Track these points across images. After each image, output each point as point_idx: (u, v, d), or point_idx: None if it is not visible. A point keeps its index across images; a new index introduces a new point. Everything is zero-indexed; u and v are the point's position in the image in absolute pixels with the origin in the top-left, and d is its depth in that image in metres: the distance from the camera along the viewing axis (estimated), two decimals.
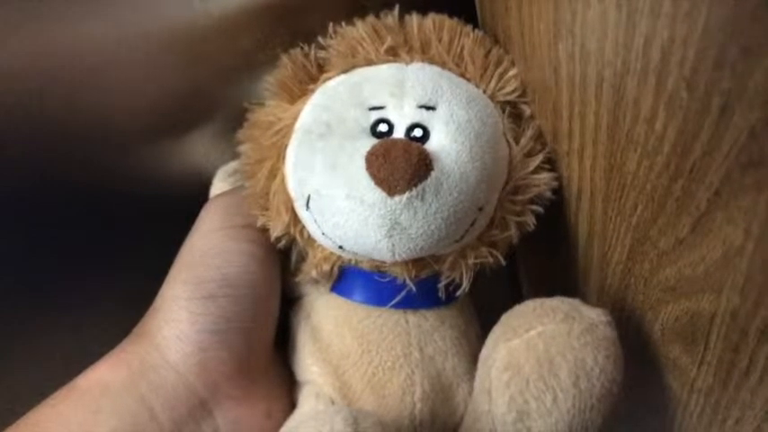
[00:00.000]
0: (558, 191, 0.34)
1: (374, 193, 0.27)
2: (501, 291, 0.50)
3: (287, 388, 0.35)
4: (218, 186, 0.39)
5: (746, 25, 0.17)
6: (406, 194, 0.27)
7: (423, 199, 0.28)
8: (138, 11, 0.35)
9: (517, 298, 0.51)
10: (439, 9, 0.34)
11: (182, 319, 0.30)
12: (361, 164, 0.28)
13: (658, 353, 0.31)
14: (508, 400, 0.27)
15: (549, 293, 0.44)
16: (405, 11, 0.34)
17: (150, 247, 0.33)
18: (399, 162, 0.27)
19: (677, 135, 0.22)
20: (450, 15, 0.34)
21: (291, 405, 0.34)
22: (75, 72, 0.34)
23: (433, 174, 0.28)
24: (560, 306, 0.28)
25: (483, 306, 0.35)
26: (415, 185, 0.27)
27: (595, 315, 0.27)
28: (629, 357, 0.34)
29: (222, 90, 0.40)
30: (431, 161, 0.28)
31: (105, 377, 0.29)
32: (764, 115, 0.18)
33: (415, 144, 0.28)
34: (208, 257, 0.31)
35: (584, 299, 0.36)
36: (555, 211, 0.35)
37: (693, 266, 0.25)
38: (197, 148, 0.40)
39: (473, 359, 0.31)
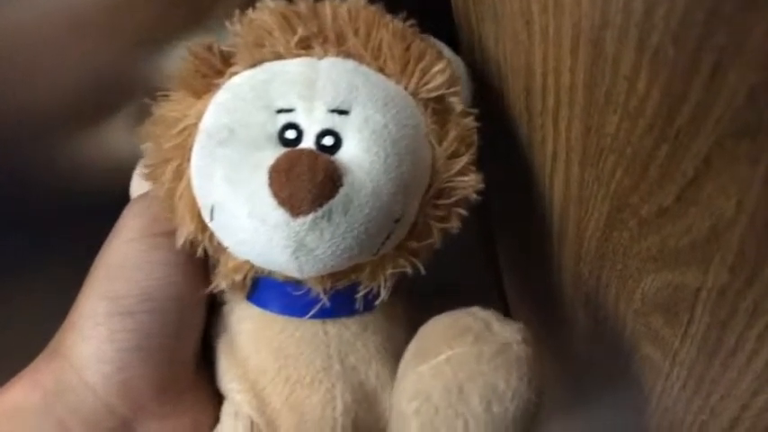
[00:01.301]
0: (533, 152, 0.31)
1: (277, 213, 0.25)
2: (474, 268, 0.49)
3: (216, 397, 0.33)
4: (137, 182, 0.36)
5: None
6: (311, 216, 0.25)
7: (329, 219, 0.25)
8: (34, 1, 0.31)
9: (496, 276, 0.50)
10: None
11: (100, 337, 0.28)
12: (264, 179, 0.25)
13: (639, 321, 0.29)
14: (419, 426, 0.25)
15: (525, 264, 0.43)
16: None
17: (73, 242, 0.31)
18: (303, 180, 0.24)
19: (662, 96, 0.20)
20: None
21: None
22: None
23: (342, 190, 0.25)
24: (472, 326, 0.26)
25: (455, 286, 0.33)
26: (321, 205, 0.25)
27: (509, 333, 0.26)
28: (607, 325, 0.33)
29: (132, 69, 0.36)
30: (340, 176, 0.25)
31: (18, 400, 0.27)
32: (764, 78, 0.16)
33: (322, 157, 0.25)
34: (127, 270, 0.29)
35: (559, 268, 0.35)
36: (530, 174, 0.33)
37: (678, 238, 0.23)
38: (115, 135, 0.38)
39: (399, 360, 0.30)
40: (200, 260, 0.30)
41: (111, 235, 0.30)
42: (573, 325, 0.38)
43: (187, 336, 0.31)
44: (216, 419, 0.31)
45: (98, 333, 0.28)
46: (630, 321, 0.30)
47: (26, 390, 0.28)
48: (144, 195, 0.32)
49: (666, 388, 0.30)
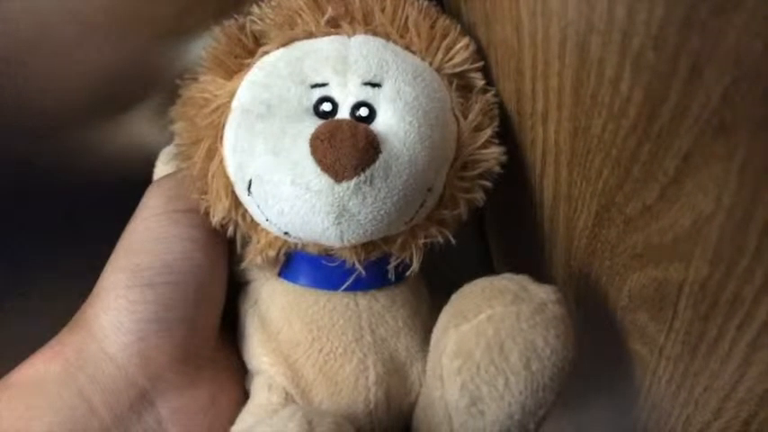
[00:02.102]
0: (524, 153, 0.32)
1: (320, 180, 0.26)
2: (470, 259, 0.49)
3: (236, 375, 0.33)
4: (162, 169, 0.37)
5: None
6: (354, 180, 0.26)
7: (371, 184, 0.26)
8: None
9: (487, 265, 0.51)
10: None
11: (120, 308, 0.29)
12: (306, 148, 0.26)
13: (626, 318, 0.30)
14: (460, 386, 0.26)
15: (518, 261, 0.43)
16: None
17: (93, 234, 0.32)
18: (346, 146, 0.26)
19: (644, 97, 0.21)
20: None
21: (241, 392, 0.33)
22: None
23: (382, 157, 0.26)
24: (509, 286, 0.27)
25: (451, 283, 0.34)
26: (363, 170, 0.26)
27: (545, 294, 0.27)
28: (596, 322, 0.34)
29: (154, 61, 0.37)
30: (378, 144, 0.26)
31: (40, 371, 0.28)
32: (737, 78, 0.17)
33: (361, 125, 0.26)
34: (148, 243, 0.30)
35: (550, 265, 0.36)
36: (520, 174, 0.33)
37: (662, 234, 0.24)
38: (135, 127, 0.38)
39: (426, 335, 0.31)
40: (219, 237, 0.31)
41: (135, 214, 0.31)
42: None
43: (206, 309, 0.32)
44: (235, 398, 0.32)
45: (118, 304, 0.29)
46: (619, 318, 0.30)
47: (48, 360, 0.28)
48: (167, 176, 0.33)
49: (654, 383, 0.30)
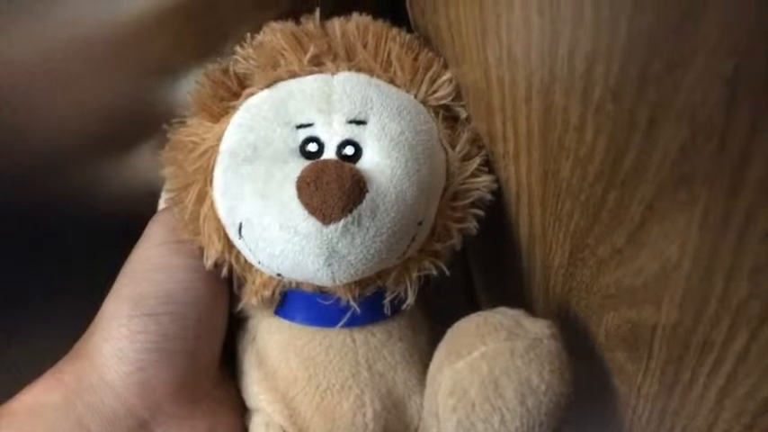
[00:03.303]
0: (499, 193, 0.32)
1: (308, 223, 0.26)
2: (458, 292, 0.49)
3: (235, 409, 0.33)
4: (165, 200, 0.37)
5: (670, 38, 0.16)
6: (342, 222, 0.26)
7: (359, 224, 0.26)
8: (47, 25, 0.32)
9: (472, 299, 0.51)
10: (369, 6, 0.32)
11: (121, 337, 0.28)
12: (293, 191, 0.26)
13: (604, 357, 0.30)
14: (456, 423, 0.26)
15: (499, 295, 0.43)
16: (331, 9, 0.32)
17: (98, 266, 0.32)
18: (332, 188, 0.26)
19: (607, 146, 0.21)
20: (378, 15, 0.32)
21: (240, 427, 0.33)
22: None
23: (369, 196, 0.26)
24: (503, 322, 0.27)
25: (441, 308, 0.34)
26: (351, 211, 0.26)
27: (539, 329, 0.27)
28: (576, 360, 0.33)
29: (150, 98, 0.37)
30: (365, 183, 0.26)
31: (40, 399, 0.28)
32: (693, 132, 0.17)
33: (347, 165, 0.27)
34: (150, 273, 0.30)
35: (530, 302, 0.36)
36: (497, 213, 0.34)
37: (632, 277, 0.24)
38: (139, 160, 0.38)
39: (424, 368, 0.30)
40: (220, 269, 0.31)
41: (138, 243, 0.31)
42: None
43: (207, 340, 0.31)
44: (236, 428, 0.32)
45: (119, 333, 0.29)
46: (597, 356, 0.30)
47: (48, 388, 0.28)
48: (168, 207, 0.33)
49: (634, 420, 0.30)
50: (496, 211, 0.33)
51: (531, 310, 0.36)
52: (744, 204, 0.16)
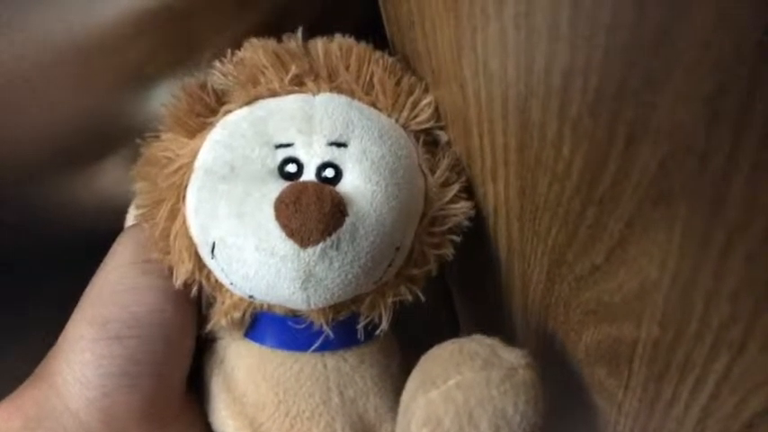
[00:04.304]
0: (478, 207, 0.32)
1: (285, 245, 0.25)
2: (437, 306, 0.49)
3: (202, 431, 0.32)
4: (134, 216, 0.36)
5: (648, 54, 0.16)
6: (320, 245, 0.25)
7: (338, 248, 0.26)
8: (16, 36, 0.31)
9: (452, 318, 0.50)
10: (348, 22, 0.32)
11: (85, 362, 0.27)
12: (270, 212, 0.26)
13: (584, 373, 0.30)
14: None
15: (478, 310, 0.43)
16: (311, 28, 0.32)
17: (63, 284, 0.31)
18: (311, 210, 0.25)
19: (585, 162, 0.21)
20: (361, 36, 0.31)
21: None
22: None
23: (348, 220, 0.26)
24: (479, 350, 0.26)
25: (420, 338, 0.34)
26: (330, 235, 0.25)
27: (515, 358, 0.26)
28: (556, 375, 0.33)
29: (118, 111, 0.36)
30: (345, 206, 0.26)
31: (0, 427, 0.27)
32: (672, 150, 0.17)
33: (327, 188, 0.26)
34: (116, 295, 0.29)
35: (509, 316, 0.35)
36: (476, 228, 0.33)
37: (611, 294, 0.23)
38: (108, 177, 0.37)
39: (396, 394, 0.30)
40: (190, 293, 0.30)
41: (103, 263, 0.30)
42: None
43: (174, 364, 0.31)
44: None
45: (83, 358, 0.28)
46: (577, 371, 0.30)
47: (7, 416, 0.27)
48: (136, 225, 0.32)
49: None
50: (475, 226, 0.33)
51: (510, 324, 0.36)
52: (725, 224, 0.16)
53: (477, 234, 0.34)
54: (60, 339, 0.29)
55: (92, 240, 0.31)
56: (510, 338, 0.37)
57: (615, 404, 0.28)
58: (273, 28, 0.33)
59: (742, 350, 0.18)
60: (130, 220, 0.37)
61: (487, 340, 0.27)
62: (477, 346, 0.27)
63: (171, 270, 0.30)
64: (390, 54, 0.32)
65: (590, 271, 0.24)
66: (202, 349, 0.33)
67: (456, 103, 0.28)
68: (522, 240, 0.29)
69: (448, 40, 0.26)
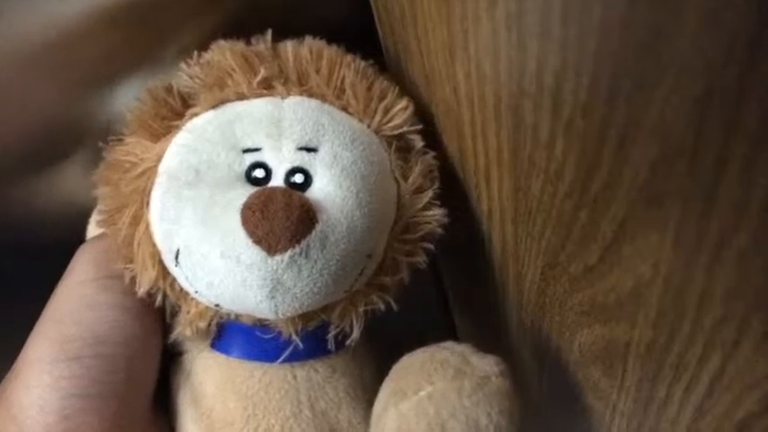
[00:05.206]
0: (472, 209, 0.32)
1: (252, 252, 0.25)
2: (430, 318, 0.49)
3: None
4: (95, 228, 0.35)
5: (639, 56, 0.16)
6: (289, 252, 0.24)
7: (307, 256, 0.25)
8: None
9: (446, 315, 0.50)
10: (318, 19, 0.31)
11: (43, 386, 0.26)
12: (236, 219, 0.25)
13: (579, 373, 0.30)
14: None
15: (474, 313, 0.43)
16: (281, 25, 0.31)
17: (22, 294, 0.30)
18: (279, 217, 0.24)
19: (577, 163, 0.21)
20: (332, 35, 0.31)
21: None
22: None
23: (318, 227, 0.25)
24: (450, 359, 0.26)
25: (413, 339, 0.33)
26: (299, 242, 0.24)
27: (488, 366, 0.26)
28: (551, 375, 0.33)
29: (79, 111, 0.35)
30: (314, 213, 0.25)
31: None
32: (663, 152, 0.17)
33: (296, 194, 0.25)
34: (76, 313, 0.28)
35: (504, 318, 0.35)
36: (469, 230, 0.33)
37: (605, 295, 0.23)
38: (66, 182, 0.36)
39: (369, 404, 0.29)
40: (152, 304, 0.29)
41: (63, 278, 0.29)
42: (522, 373, 0.38)
43: (138, 382, 0.29)
44: None
45: (42, 381, 0.26)
46: (572, 372, 0.30)
47: None
48: (96, 237, 0.31)
49: None
50: (469, 228, 0.33)
51: (504, 326, 0.36)
52: (717, 225, 0.16)
53: (470, 235, 0.34)
54: (18, 361, 0.28)
55: (53, 246, 0.30)
56: (506, 337, 0.37)
57: (610, 404, 0.28)
58: (241, 25, 0.32)
59: (735, 350, 0.18)
60: (92, 226, 0.36)
61: (459, 347, 0.27)
62: (448, 353, 0.26)
63: (133, 282, 0.29)
64: (374, 56, 0.32)
65: (583, 272, 0.24)
66: (169, 365, 0.32)
67: (449, 104, 0.28)
68: (516, 241, 0.29)
69: (441, 41, 0.26)
